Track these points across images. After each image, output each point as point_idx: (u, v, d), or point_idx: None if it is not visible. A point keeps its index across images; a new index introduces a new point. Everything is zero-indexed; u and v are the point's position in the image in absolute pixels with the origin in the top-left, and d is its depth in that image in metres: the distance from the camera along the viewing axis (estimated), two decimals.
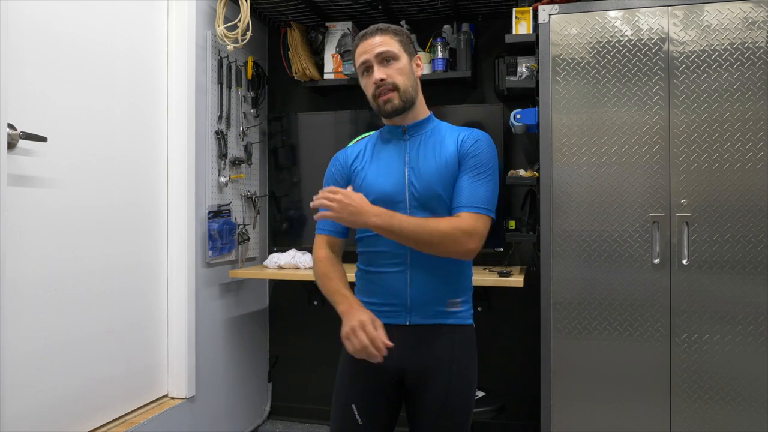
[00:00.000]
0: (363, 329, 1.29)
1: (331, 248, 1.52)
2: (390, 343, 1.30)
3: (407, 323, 1.43)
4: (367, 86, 1.47)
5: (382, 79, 1.41)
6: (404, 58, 1.45)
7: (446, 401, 1.40)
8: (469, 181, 1.41)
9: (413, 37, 1.54)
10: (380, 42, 1.43)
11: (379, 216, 1.34)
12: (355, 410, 1.43)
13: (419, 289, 1.42)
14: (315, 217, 1.40)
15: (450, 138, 1.47)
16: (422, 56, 2.50)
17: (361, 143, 1.57)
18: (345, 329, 1.32)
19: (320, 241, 1.53)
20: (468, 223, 1.37)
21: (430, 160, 1.44)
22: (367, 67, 1.45)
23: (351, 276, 1.51)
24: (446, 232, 1.35)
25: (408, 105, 1.45)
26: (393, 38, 1.45)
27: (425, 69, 2.65)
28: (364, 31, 1.48)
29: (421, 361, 1.42)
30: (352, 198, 1.34)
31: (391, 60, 1.43)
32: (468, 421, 1.44)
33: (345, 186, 1.51)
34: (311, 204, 1.35)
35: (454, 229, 1.35)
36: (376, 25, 1.47)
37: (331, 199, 1.33)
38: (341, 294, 1.40)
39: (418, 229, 1.34)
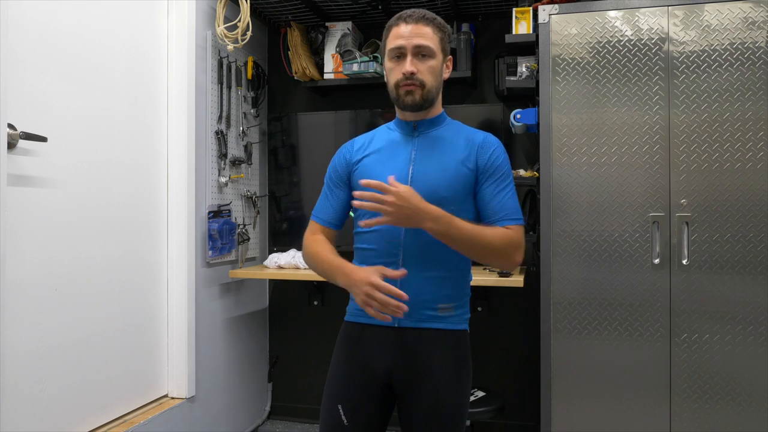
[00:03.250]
0: (376, 288, 1.24)
1: (323, 235, 1.50)
2: (404, 295, 1.24)
3: (395, 325, 1.40)
4: (393, 72, 1.40)
5: (412, 73, 1.36)
6: (439, 58, 1.40)
7: (435, 407, 1.37)
8: (497, 192, 1.38)
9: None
10: (422, 33, 1.36)
11: (437, 221, 1.27)
12: (341, 411, 1.41)
13: (410, 292, 1.34)
14: (361, 224, 1.30)
15: (461, 140, 1.44)
16: None
17: (369, 134, 1.54)
18: (360, 298, 1.26)
19: (314, 227, 1.51)
20: (517, 236, 1.36)
21: (437, 160, 1.41)
22: (400, 54, 1.38)
23: None
24: (499, 247, 1.33)
25: (427, 105, 1.41)
26: (436, 33, 1.39)
27: None
28: (408, 13, 1.39)
29: (408, 364, 1.39)
30: (406, 199, 1.24)
31: (426, 56, 1.37)
32: (459, 427, 1.41)
33: (344, 176, 1.50)
34: (354, 203, 1.27)
35: (507, 244, 1.34)
36: (422, 11, 1.40)
37: (382, 201, 1.23)
38: (336, 265, 1.36)
39: (473, 240, 1.30)
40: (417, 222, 1.27)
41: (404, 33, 1.37)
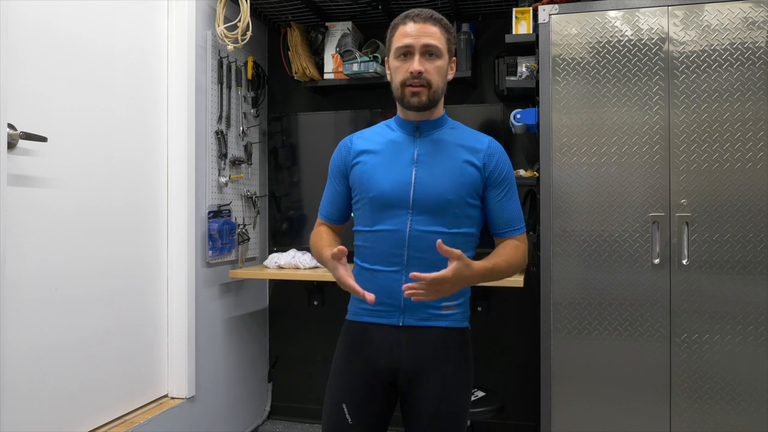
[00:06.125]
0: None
1: (326, 227, 1.59)
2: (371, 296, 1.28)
3: (400, 324, 1.41)
4: (399, 70, 1.39)
5: (420, 72, 1.35)
6: (445, 58, 1.40)
7: (439, 404, 1.38)
8: (501, 201, 1.45)
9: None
10: (431, 33, 1.36)
11: (483, 278, 1.33)
12: (345, 410, 1.42)
13: None
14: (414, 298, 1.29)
15: (465, 142, 1.44)
16: None
17: (368, 132, 1.53)
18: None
19: (318, 221, 1.61)
20: (524, 244, 1.47)
21: (441, 162, 1.40)
22: (407, 52, 1.37)
23: None
24: (519, 262, 1.43)
25: (432, 105, 1.41)
26: (443, 34, 1.39)
27: None
28: (415, 12, 1.39)
29: (413, 362, 1.40)
30: (443, 280, 1.23)
31: (434, 55, 1.37)
32: (462, 425, 1.42)
33: (343, 173, 1.50)
34: (405, 293, 1.25)
35: (522, 255, 1.45)
36: (430, 11, 1.39)
37: (423, 288, 1.24)
38: (326, 258, 1.38)
39: (504, 268, 1.39)
40: (467, 284, 1.33)
41: (412, 32, 1.36)
